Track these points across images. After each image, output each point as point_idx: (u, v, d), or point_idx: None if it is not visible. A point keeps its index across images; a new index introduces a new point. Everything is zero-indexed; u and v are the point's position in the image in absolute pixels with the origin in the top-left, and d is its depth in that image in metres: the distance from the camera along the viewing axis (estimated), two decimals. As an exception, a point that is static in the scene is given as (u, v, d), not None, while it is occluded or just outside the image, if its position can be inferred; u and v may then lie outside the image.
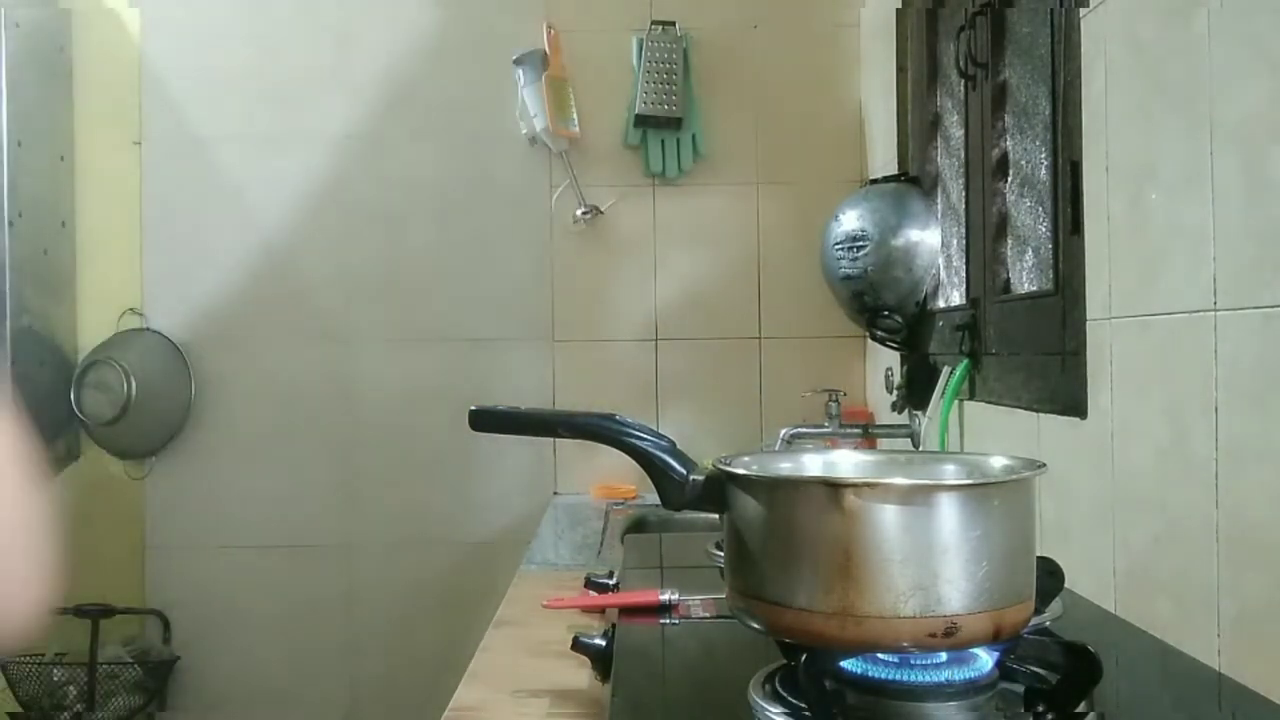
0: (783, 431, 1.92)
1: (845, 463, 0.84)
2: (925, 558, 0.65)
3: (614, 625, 0.99)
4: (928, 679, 0.70)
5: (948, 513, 0.66)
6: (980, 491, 0.68)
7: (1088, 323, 1.13)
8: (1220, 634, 0.86)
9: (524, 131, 2.33)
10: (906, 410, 1.84)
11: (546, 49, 2.30)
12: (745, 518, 0.72)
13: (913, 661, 0.71)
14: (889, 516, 0.66)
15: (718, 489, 0.74)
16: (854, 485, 0.68)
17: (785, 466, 0.84)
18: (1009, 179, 1.52)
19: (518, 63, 2.30)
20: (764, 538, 0.70)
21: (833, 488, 0.68)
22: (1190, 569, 0.91)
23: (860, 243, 1.80)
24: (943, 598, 0.65)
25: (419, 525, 2.30)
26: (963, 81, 1.64)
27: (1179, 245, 0.94)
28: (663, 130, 2.31)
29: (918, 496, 0.66)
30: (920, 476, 0.80)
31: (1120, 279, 1.07)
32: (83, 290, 2.37)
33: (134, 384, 2.30)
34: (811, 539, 0.67)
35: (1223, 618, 0.86)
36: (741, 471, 0.74)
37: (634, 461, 0.78)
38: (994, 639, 0.68)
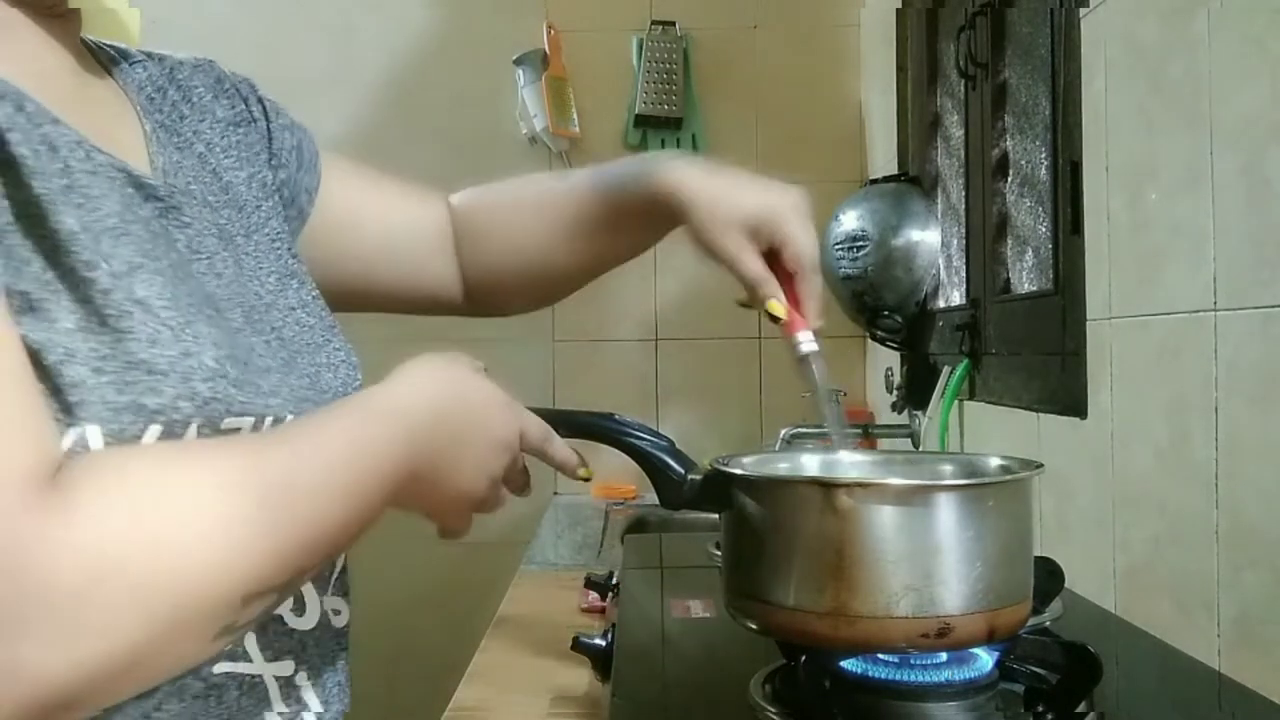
0: (783, 431, 1.91)
1: (843, 463, 0.84)
2: (918, 558, 0.65)
3: (614, 625, 0.99)
4: (927, 679, 0.70)
5: (941, 513, 0.66)
6: (974, 492, 0.68)
7: (1088, 323, 1.13)
8: (1220, 634, 0.86)
9: (524, 131, 2.33)
10: (906, 410, 1.84)
11: (546, 49, 2.30)
12: (741, 517, 0.72)
13: (912, 661, 0.71)
14: (882, 517, 0.66)
15: (716, 489, 0.74)
16: (847, 485, 0.68)
17: (783, 466, 0.84)
18: (1009, 179, 1.52)
19: (518, 63, 2.30)
20: (759, 537, 0.70)
21: (826, 487, 0.68)
22: (1190, 569, 0.91)
23: (860, 243, 1.80)
24: (935, 598, 0.65)
25: (419, 525, 2.29)
26: (963, 81, 1.64)
27: (1179, 245, 0.94)
28: (663, 130, 2.31)
29: (911, 497, 0.66)
30: (917, 477, 0.80)
31: (1120, 279, 1.07)
32: (83, 290, 2.37)
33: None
34: (805, 539, 0.67)
35: (1223, 618, 0.86)
36: (737, 471, 0.74)
37: (633, 461, 0.78)
38: (988, 640, 0.68)
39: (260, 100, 0.83)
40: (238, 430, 0.58)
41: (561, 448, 0.74)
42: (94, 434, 0.52)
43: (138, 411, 0.53)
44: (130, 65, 0.73)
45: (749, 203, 0.80)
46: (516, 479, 0.71)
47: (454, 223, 0.93)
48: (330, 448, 0.57)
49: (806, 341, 0.80)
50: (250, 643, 0.62)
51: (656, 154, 0.88)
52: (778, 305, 0.79)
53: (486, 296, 0.94)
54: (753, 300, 0.81)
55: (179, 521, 0.48)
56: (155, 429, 0.53)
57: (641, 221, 0.87)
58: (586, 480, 0.76)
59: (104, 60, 0.71)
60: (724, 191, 0.81)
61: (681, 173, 0.82)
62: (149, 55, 0.75)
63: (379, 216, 0.89)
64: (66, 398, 0.51)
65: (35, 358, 0.51)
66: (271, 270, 0.72)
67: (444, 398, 0.65)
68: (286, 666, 0.65)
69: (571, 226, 0.89)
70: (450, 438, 0.64)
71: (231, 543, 0.49)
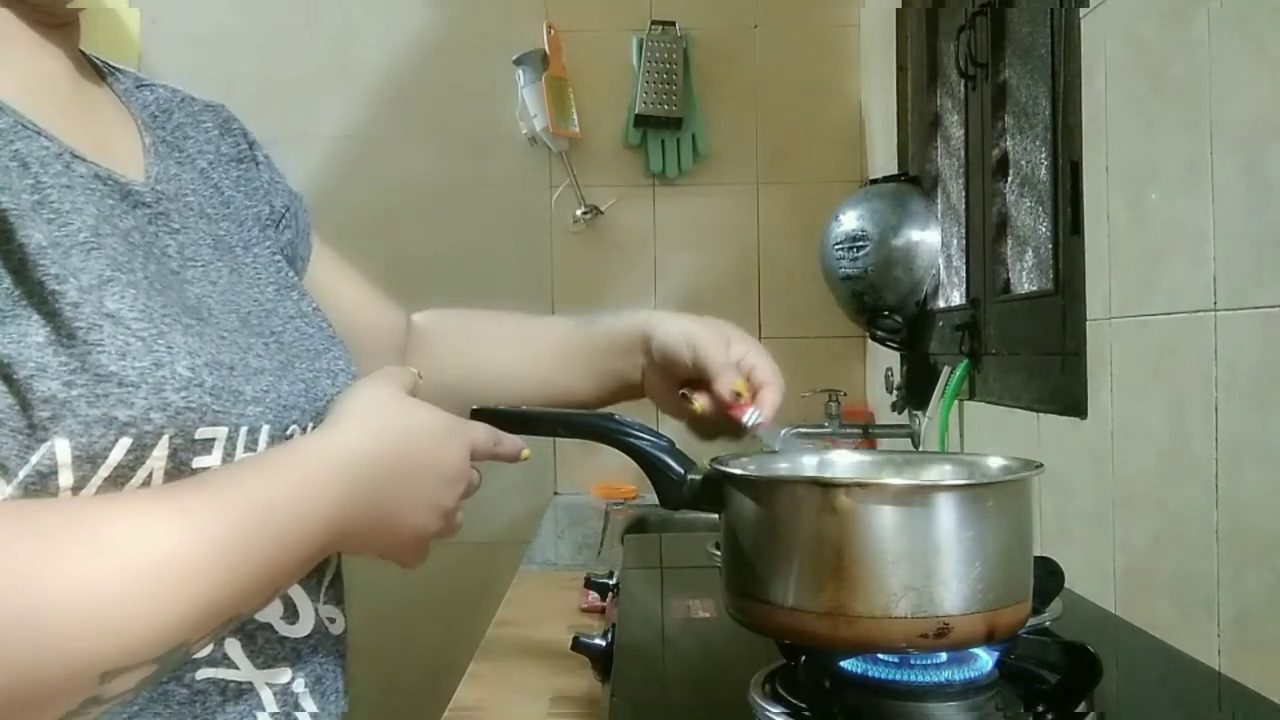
0: (783, 431, 1.91)
1: (842, 463, 0.84)
2: (918, 558, 0.65)
3: (614, 625, 0.99)
4: (928, 679, 0.70)
5: (940, 513, 0.66)
6: (973, 492, 0.68)
7: (1088, 323, 1.13)
8: (1220, 634, 0.86)
9: (524, 131, 2.33)
10: (906, 410, 1.84)
11: (546, 49, 2.30)
12: (740, 517, 0.72)
13: (913, 661, 0.71)
14: (881, 517, 0.65)
15: (715, 489, 0.74)
16: (845, 485, 0.67)
17: (782, 467, 0.84)
18: (1009, 179, 1.52)
19: (518, 63, 2.30)
20: (758, 537, 0.70)
21: (825, 487, 0.68)
22: (1190, 569, 0.91)
23: (860, 243, 1.80)
24: (935, 598, 0.65)
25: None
26: (963, 81, 1.64)
27: (1179, 245, 0.94)
28: (663, 130, 2.31)
29: (909, 497, 0.66)
30: (916, 477, 0.80)
31: (1120, 279, 1.07)
32: (83, 290, 2.37)
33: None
34: (804, 539, 0.67)
35: (1222, 617, 0.86)
36: (737, 471, 0.74)
37: (633, 461, 0.78)
38: (988, 640, 0.68)
39: (266, 156, 0.83)
40: (212, 440, 0.58)
41: (509, 442, 0.73)
42: (62, 448, 0.52)
43: (109, 424, 0.53)
44: (138, 87, 0.74)
45: (718, 325, 0.89)
46: (469, 493, 0.70)
47: (411, 337, 0.96)
48: (262, 508, 0.54)
49: (753, 416, 0.85)
50: (235, 649, 0.62)
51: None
52: (742, 382, 0.85)
53: None
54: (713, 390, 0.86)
55: (32, 589, 0.45)
56: (125, 441, 0.53)
57: (613, 354, 0.92)
58: (527, 459, 0.75)
59: (105, 74, 0.72)
60: (691, 319, 0.89)
61: (662, 317, 0.91)
62: (163, 85, 0.76)
63: (345, 307, 0.88)
64: (38, 412, 0.51)
65: (7, 372, 0.51)
66: (271, 281, 0.73)
67: (390, 437, 0.63)
68: (281, 674, 0.64)
69: (543, 354, 0.94)
70: (398, 481, 0.62)
71: (88, 619, 0.46)
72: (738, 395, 0.84)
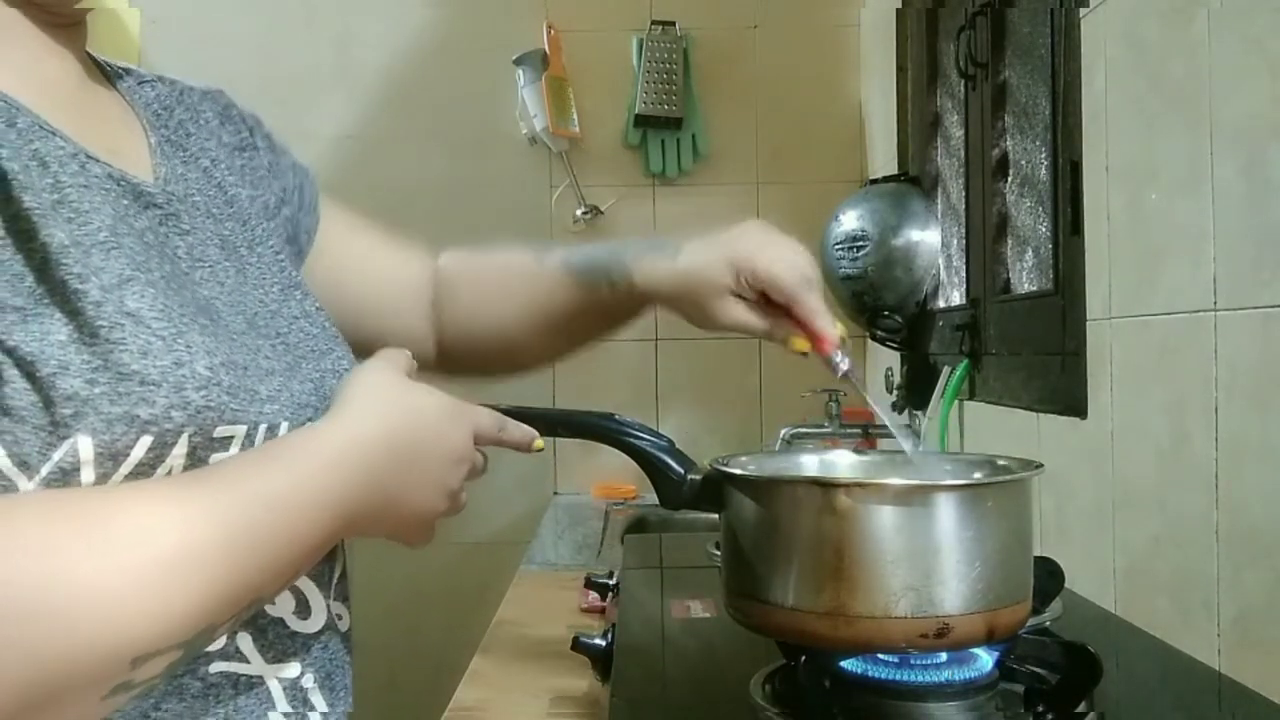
0: (783, 431, 1.92)
1: (842, 463, 0.84)
2: (917, 558, 0.65)
3: (614, 625, 0.99)
4: (927, 679, 0.70)
5: (940, 513, 0.66)
6: (973, 492, 0.68)
7: (1088, 323, 1.13)
8: (1220, 634, 0.86)
9: (524, 131, 2.33)
10: (906, 410, 1.84)
11: (546, 49, 2.30)
12: (740, 517, 0.72)
13: (913, 661, 0.71)
14: (881, 517, 0.66)
15: (715, 489, 0.74)
16: (845, 485, 0.68)
17: (782, 466, 0.84)
18: (1009, 179, 1.52)
19: (518, 63, 2.30)
20: (758, 537, 0.70)
21: (825, 488, 0.68)
22: (1190, 569, 0.91)
23: (860, 243, 1.80)
24: (935, 598, 0.65)
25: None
26: (963, 81, 1.64)
27: (1179, 245, 0.94)
28: (663, 130, 2.31)
29: (909, 497, 0.66)
30: (915, 477, 0.80)
31: (1120, 279, 1.07)
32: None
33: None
34: (804, 539, 0.67)
35: (1222, 617, 0.86)
36: (736, 471, 0.74)
37: (633, 461, 0.78)
38: (988, 640, 0.68)
39: (267, 135, 0.83)
40: (230, 438, 0.58)
41: (515, 428, 0.73)
42: (85, 445, 0.52)
43: (130, 422, 0.53)
44: (139, 84, 0.74)
45: (717, 270, 0.82)
46: (475, 475, 0.70)
47: (437, 283, 0.95)
48: (270, 498, 0.55)
49: (840, 360, 0.81)
50: (246, 643, 0.62)
51: (624, 245, 0.88)
52: (798, 341, 0.82)
53: (459, 360, 0.94)
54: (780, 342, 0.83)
55: (57, 580, 0.45)
56: (147, 439, 0.54)
57: (614, 316, 0.90)
58: (540, 451, 0.75)
59: (110, 74, 0.72)
60: (695, 275, 0.82)
61: (652, 269, 0.84)
62: (159, 78, 0.76)
63: (366, 269, 0.89)
64: (61, 410, 0.51)
65: (30, 369, 0.51)
66: (275, 281, 0.73)
67: (394, 421, 0.63)
68: (291, 669, 0.65)
69: (543, 312, 0.91)
70: (403, 464, 0.63)
71: (115, 607, 0.47)
72: (804, 353, 0.82)
